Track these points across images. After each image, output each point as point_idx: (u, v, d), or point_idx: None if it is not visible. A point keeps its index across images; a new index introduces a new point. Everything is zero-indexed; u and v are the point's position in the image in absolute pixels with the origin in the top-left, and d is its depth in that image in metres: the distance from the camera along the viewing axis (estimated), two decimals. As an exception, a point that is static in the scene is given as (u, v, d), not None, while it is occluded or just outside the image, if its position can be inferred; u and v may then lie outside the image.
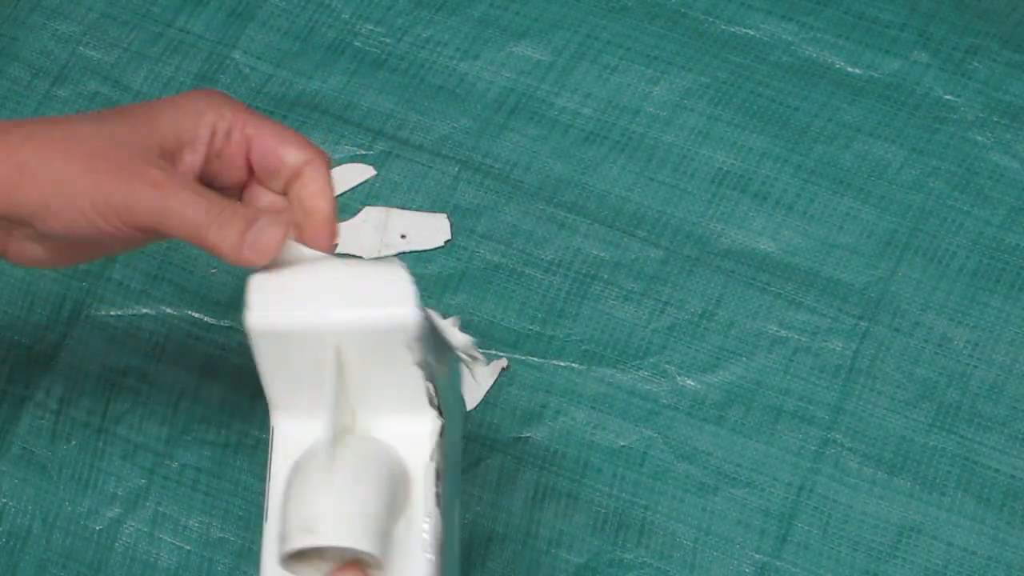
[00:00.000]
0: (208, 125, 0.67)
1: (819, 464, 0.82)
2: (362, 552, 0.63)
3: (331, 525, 0.62)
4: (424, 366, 0.65)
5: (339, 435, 0.64)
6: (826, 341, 0.84)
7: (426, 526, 0.65)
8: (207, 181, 0.68)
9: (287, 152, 0.68)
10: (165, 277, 0.88)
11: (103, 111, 0.68)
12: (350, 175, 0.89)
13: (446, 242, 0.87)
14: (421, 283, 0.86)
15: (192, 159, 0.67)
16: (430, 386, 0.66)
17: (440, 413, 0.66)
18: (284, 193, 0.69)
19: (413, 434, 0.66)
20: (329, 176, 0.68)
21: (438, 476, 0.65)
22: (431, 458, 0.65)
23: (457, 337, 0.68)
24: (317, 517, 0.62)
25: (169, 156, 0.66)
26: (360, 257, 0.87)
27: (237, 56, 0.92)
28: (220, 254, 0.65)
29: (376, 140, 0.90)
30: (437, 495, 0.65)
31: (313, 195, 0.67)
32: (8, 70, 0.93)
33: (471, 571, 0.83)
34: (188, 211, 0.65)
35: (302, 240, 0.67)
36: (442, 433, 0.66)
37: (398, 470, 0.65)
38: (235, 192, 0.69)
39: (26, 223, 0.67)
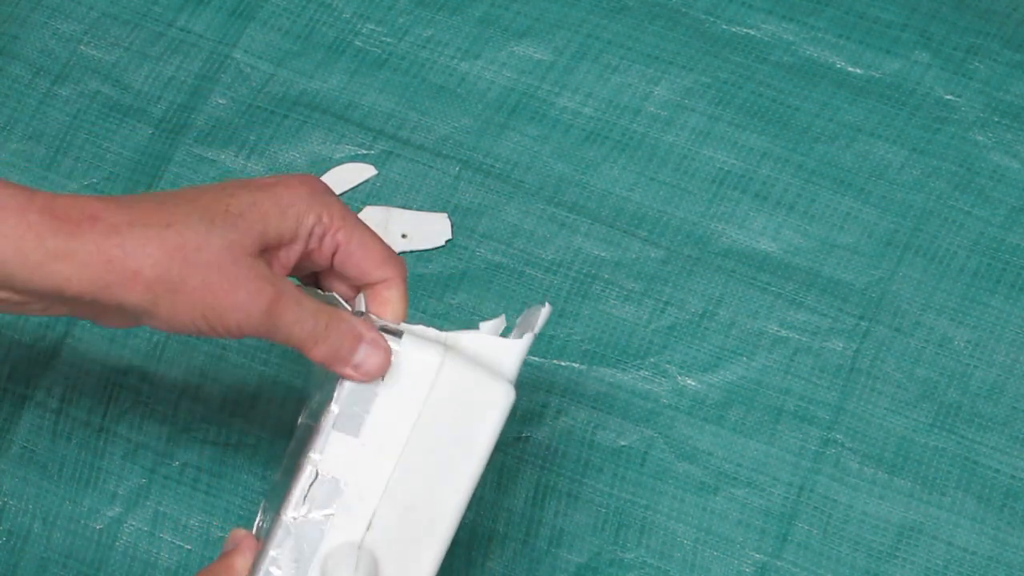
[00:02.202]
0: (307, 229, 0.70)
1: (819, 464, 0.82)
2: None
3: None
4: None
5: None
6: (827, 341, 0.84)
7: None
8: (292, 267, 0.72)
9: (371, 269, 0.71)
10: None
11: (199, 195, 0.69)
12: (351, 175, 0.89)
13: (447, 242, 0.87)
14: (421, 283, 0.86)
15: (287, 257, 0.70)
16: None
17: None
18: (357, 289, 0.72)
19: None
20: (405, 293, 0.72)
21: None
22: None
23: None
24: None
25: (268, 253, 0.69)
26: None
27: (238, 56, 0.92)
28: (328, 367, 0.70)
29: (377, 140, 0.90)
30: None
31: (385, 312, 0.71)
32: (9, 69, 0.93)
33: (471, 571, 0.83)
34: (295, 329, 0.69)
35: None
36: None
37: None
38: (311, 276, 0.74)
39: (123, 312, 0.68)
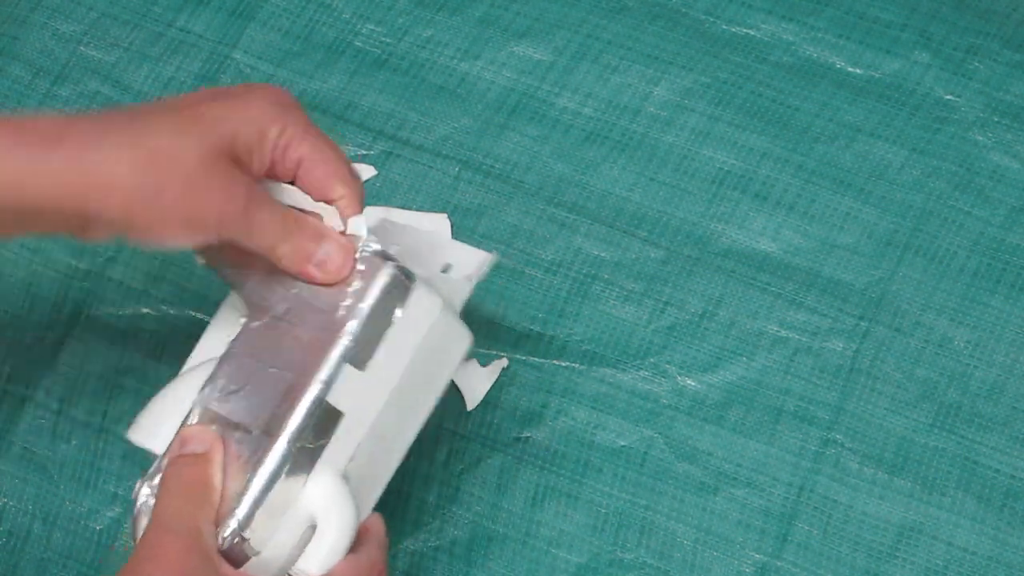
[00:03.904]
0: (272, 139, 0.70)
1: (819, 464, 0.82)
2: None
3: None
4: None
5: None
6: (827, 341, 0.84)
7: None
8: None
9: (332, 185, 0.72)
10: (165, 277, 0.88)
11: (172, 106, 0.70)
12: (351, 175, 0.89)
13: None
14: (421, 283, 0.86)
15: (258, 167, 0.70)
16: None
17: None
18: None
19: None
20: (360, 209, 0.73)
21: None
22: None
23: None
24: None
25: (240, 163, 0.69)
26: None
27: (238, 56, 0.92)
28: (288, 270, 0.70)
29: (377, 140, 0.90)
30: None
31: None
32: (9, 69, 0.93)
33: (471, 571, 0.83)
34: (267, 228, 0.69)
35: None
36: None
37: None
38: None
39: (101, 225, 0.68)
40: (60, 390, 0.87)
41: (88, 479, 0.86)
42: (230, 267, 0.73)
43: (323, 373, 0.69)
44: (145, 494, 0.70)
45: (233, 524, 0.68)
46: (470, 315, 0.85)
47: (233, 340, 0.72)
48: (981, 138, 0.87)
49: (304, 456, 0.69)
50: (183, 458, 0.69)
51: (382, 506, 0.83)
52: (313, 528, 0.70)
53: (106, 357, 0.87)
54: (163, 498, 0.69)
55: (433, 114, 0.90)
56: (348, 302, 0.70)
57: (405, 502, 0.84)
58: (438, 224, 0.88)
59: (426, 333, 0.72)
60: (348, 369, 0.69)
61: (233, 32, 0.93)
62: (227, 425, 0.70)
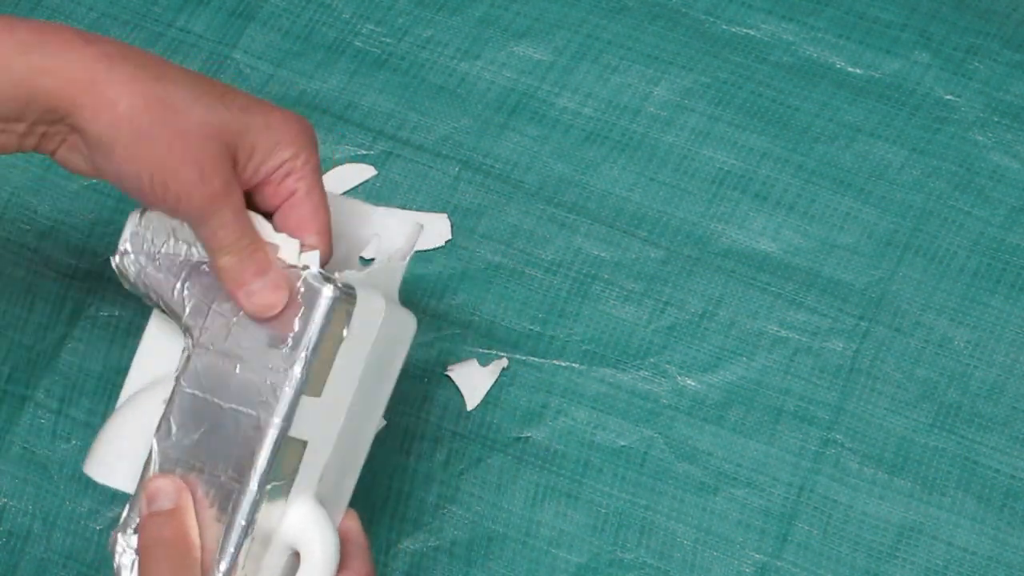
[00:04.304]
0: (279, 161, 0.70)
1: (819, 464, 0.82)
2: None
3: None
4: None
5: None
6: (826, 341, 0.84)
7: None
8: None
9: (309, 231, 0.71)
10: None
11: (205, 77, 0.69)
12: (350, 175, 0.89)
13: (447, 242, 0.87)
14: (421, 283, 0.86)
15: (249, 176, 0.69)
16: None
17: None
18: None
19: None
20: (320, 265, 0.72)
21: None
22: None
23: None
24: None
25: (237, 161, 0.69)
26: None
27: (238, 56, 0.92)
28: (220, 279, 0.69)
29: (377, 140, 0.90)
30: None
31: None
32: (9, 70, 0.93)
33: (471, 571, 0.83)
34: (221, 231, 0.68)
35: None
36: None
37: None
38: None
39: (83, 141, 0.68)
40: (60, 390, 0.87)
41: (88, 479, 0.86)
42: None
43: (282, 409, 0.68)
44: (122, 547, 0.70)
45: (220, 574, 0.68)
46: (470, 316, 0.85)
47: (179, 374, 0.71)
48: (981, 138, 0.87)
49: (276, 492, 0.68)
50: (154, 518, 0.69)
51: (382, 507, 0.83)
52: (296, 555, 0.70)
53: (106, 357, 0.87)
54: (146, 571, 0.68)
55: (433, 114, 0.90)
56: (295, 330, 0.69)
57: (405, 502, 0.84)
58: (438, 224, 0.88)
59: (375, 338, 0.71)
60: (305, 399, 0.68)
61: (233, 32, 0.93)
62: (190, 468, 0.69)
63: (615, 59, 0.90)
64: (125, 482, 0.72)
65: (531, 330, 0.85)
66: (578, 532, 0.82)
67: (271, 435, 0.68)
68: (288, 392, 0.68)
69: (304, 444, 0.69)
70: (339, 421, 0.70)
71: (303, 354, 0.68)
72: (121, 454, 0.72)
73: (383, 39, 0.92)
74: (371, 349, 0.71)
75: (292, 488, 0.69)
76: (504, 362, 0.85)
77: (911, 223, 0.86)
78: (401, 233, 0.76)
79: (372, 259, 0.77)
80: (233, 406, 0.69)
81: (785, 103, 0.89)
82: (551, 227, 0.87)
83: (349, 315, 0.69)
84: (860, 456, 0.82)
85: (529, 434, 0.84)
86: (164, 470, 0.70)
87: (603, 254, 0.86)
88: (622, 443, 0.83)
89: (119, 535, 0.71)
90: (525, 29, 0.91)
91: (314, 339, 0.68)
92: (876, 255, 0.85)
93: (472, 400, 0.84)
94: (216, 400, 0.69)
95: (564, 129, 0.89)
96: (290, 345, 0.68)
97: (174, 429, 0.70)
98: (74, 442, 0.86)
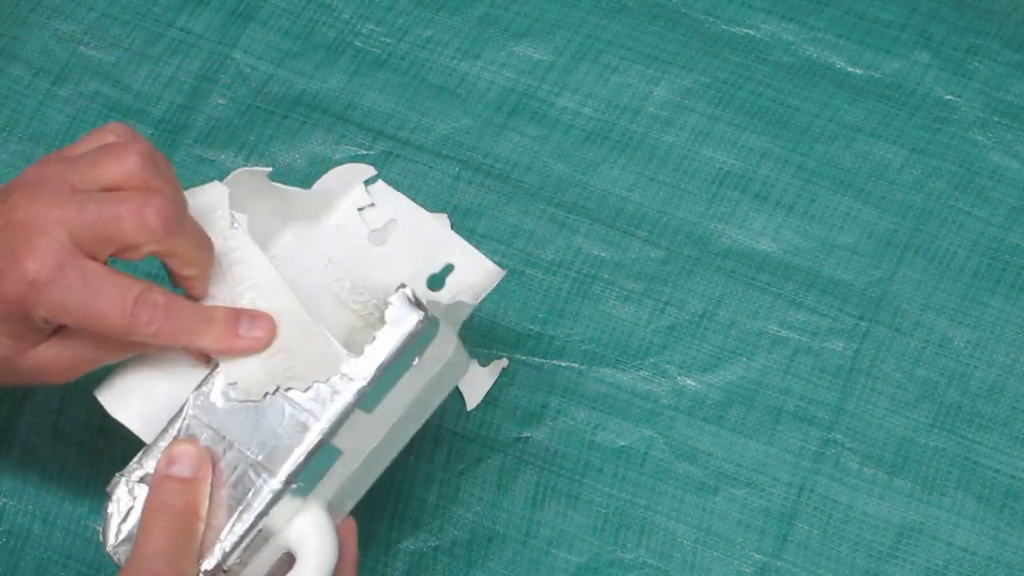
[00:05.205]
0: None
1: (819, 464, 0.82)
2: None
3: None
4: None
5: None
6: (826, 341, 0.84)
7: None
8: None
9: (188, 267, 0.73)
10: (165, 276, 0.88)
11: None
12: (351, 175, 0.89)
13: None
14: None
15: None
16: None
17: None
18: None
19: None
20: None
21: None
22: None
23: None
24: None
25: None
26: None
27: (238, 56, 0.92)
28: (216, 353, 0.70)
29: (377, 140, 0.90)
30: None
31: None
32: (9, 69, 0.93)
33: (471, 571, 0.83)
34: (200, 340, 0.70)
35: None
36: None
37: None
38: None
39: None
40: (60, 390, 0.87)
41: (88, 479, 0.86)
42: None
43: (332, 416, 0.68)
44: (122, 493, 0.70)
45: (216, 560, 0.67)
46: (470, 315, 0.85)
47: None
48: (981, 138, 0.87)
49: (297, 492, 0.68)
50: (170, 482, 0.68)
51: (382, 507, 0.83)
52: (289, 555, 0.69)
53: (106, 357, 0.87)
54: (146, 534, 0.67)
55: (433, 114, 0.90)
56: (372, 341, 0.68)
57: (405, 502, 0.84)
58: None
59: (438, 372, 0.71)
60: (357, 413, 0.68)
61: (233, 32, 0.93)
62: (219, 439, 0.69)
63: (615, 59, 0.90)
64: (137, 423, 0.71)
65: (531, 330, 0.85)
66: (578, 532, 0.82)
67: (314, 437, 0.68)
68: (346, 401, 0.68)
69: (339, 454, 0.69)
70: (376, 440, 0.70)
71: (373, 371, 0.68)
72: (141, 394, 0.71)
73: (383, 39, 0.92)
74: (428, 381, 0.71)
75: (311, 492, 0.69)
76: (504, 362, 0.85)
77: (911, 223, 0.86)
78: (478, 271, 0.76)
79: (441, 284, 0.77)
80: (288, 395, 0.69)
81: (785, 103, 0.89)
82: (551, 227, 0.87)
83: (424, 346, 0.69)
84: (860, 456, 0.82)
85: (529, 434, 0.84)
86: (191, 431, 0.69)
87: (603, 254, 0.86)
88: (622, 443, 0.83)
89: (122, 479, 0.70)
90: (525, 29, 0.91)
91: (387, 359, 0.68)
92: (876, 255, 0.85)
93: (472, 400, 0.84)
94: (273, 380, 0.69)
95: (564, 129, 0.89)
96: (363, 355, 0.68)
97: (216, 393, 0.69)
98: (74, 442, 0.86)
